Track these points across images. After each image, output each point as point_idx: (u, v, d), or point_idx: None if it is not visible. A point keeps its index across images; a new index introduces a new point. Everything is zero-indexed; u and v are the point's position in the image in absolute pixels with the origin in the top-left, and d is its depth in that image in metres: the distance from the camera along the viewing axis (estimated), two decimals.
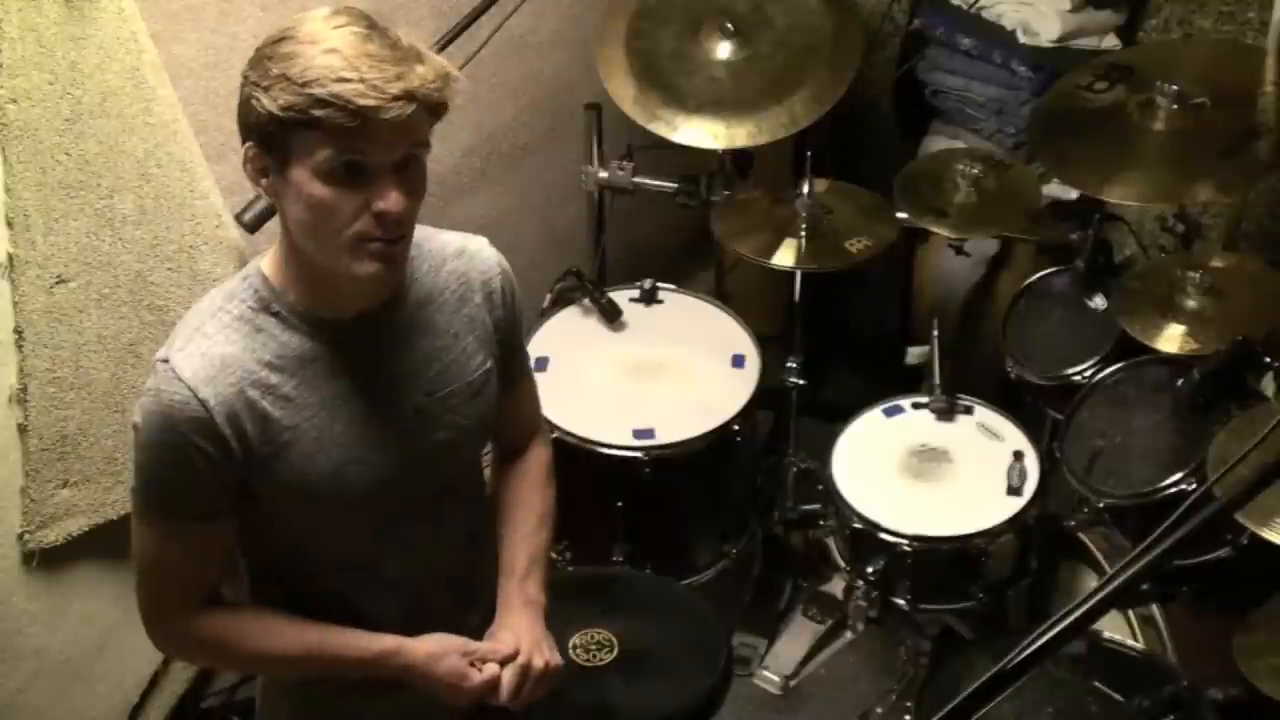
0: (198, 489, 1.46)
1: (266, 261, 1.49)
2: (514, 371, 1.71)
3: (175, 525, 1.49)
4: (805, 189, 2.71)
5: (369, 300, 1.50)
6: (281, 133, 1.34)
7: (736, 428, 2.58)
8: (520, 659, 1.61)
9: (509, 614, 1.66)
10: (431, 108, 1.36)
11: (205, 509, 1.48)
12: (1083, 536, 2.46)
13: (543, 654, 1.63)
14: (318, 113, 1.30)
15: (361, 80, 1.29)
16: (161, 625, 1.56)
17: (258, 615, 1.58)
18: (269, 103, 1.32)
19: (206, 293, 1.53)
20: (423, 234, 1.59)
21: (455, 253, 1.60)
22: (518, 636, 1.62)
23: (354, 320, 1.50)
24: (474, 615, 1.71)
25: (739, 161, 2.93)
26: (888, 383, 2.90)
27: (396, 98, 1.30)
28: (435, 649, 1.58)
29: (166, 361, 1.43)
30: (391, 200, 1.36)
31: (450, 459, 1.60)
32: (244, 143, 1.38)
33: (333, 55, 1.30)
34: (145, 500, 1.48)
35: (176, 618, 1.54)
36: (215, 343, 1.44)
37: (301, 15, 1.37)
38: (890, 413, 2.67)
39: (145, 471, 1.47)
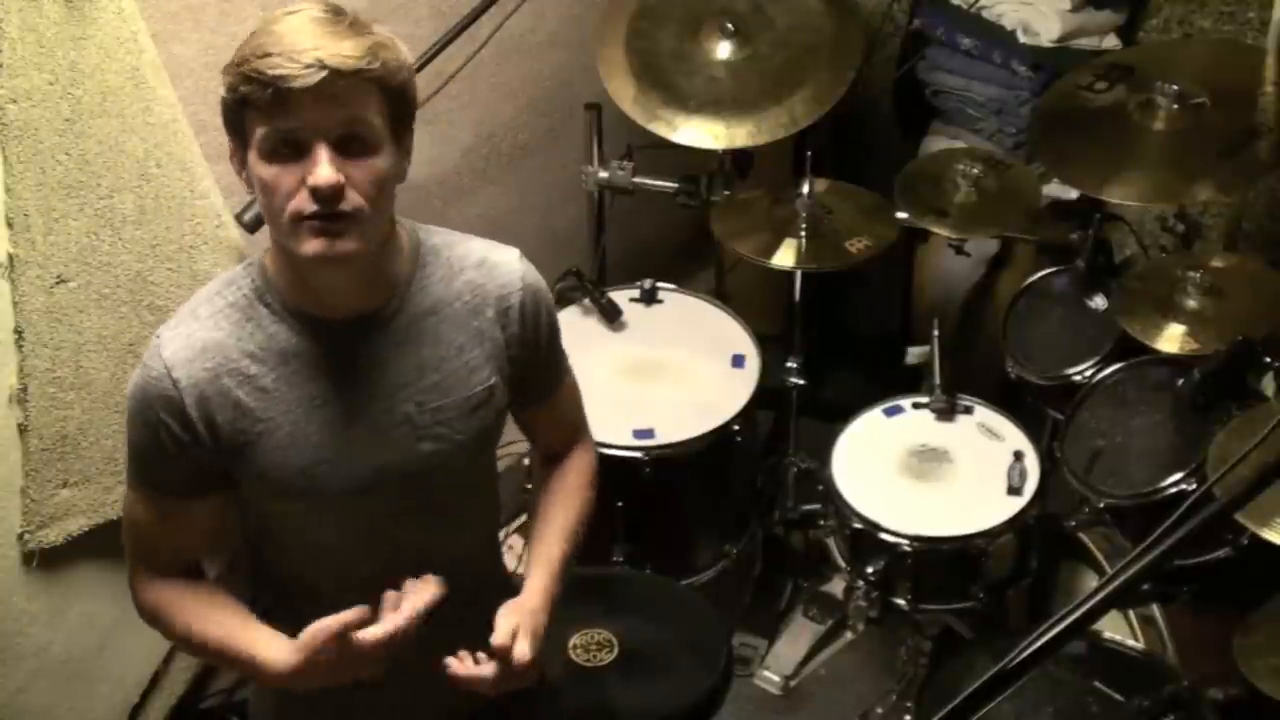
0: (168, 464, 1.49)
1: (268, 254, 1.50)
2: (544, 385, 1.69)
3: (149, 493, 1.52)
4: (805, 189, 2.71)
5: (359, 301, 1.49)
6: (233, 118, 1.38)
7: (736, 428, 2.58)
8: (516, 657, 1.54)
9: (514, 612, 1.59)
10: (376, 84, 1.36)
11: (177, 484, 1.50)
12: (1083, 536, 2.46)
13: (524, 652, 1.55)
14: (244, 89, 1.33)
15: (280, 53, 1.31)
16: (131, 580, 1.59)
17: (196, 593, 1.56)
18: (222, 90, 1.37)
19: None
20: (446, 239, 1.58)
21: (476, 263, 1.57)
22: (513, 628, 1.56)
23: (346, 321, 1.49)
24: (468, 623, 1.70)
25: (739, 161, 2.93)
26: (888, 383, 2.90)
27: (308, 65, 1.31)
28: (297, 652, 1.46)
29: (158, 337, 1.47)
30: (319, 174, 1.34)
31: (438, 472, 1.57)
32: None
33: (268, 36, 1.33)
34: (128, 464, 1.53)
35: (141, 577, 1.57)
36: (203, 326, 1.47)
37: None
38: (890, 413, 2.67)
39: (128, 437, 1.51)
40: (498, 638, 1.53)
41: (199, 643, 1.55)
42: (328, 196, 1.35)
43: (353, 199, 1.37)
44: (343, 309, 1.48)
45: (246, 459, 1.48)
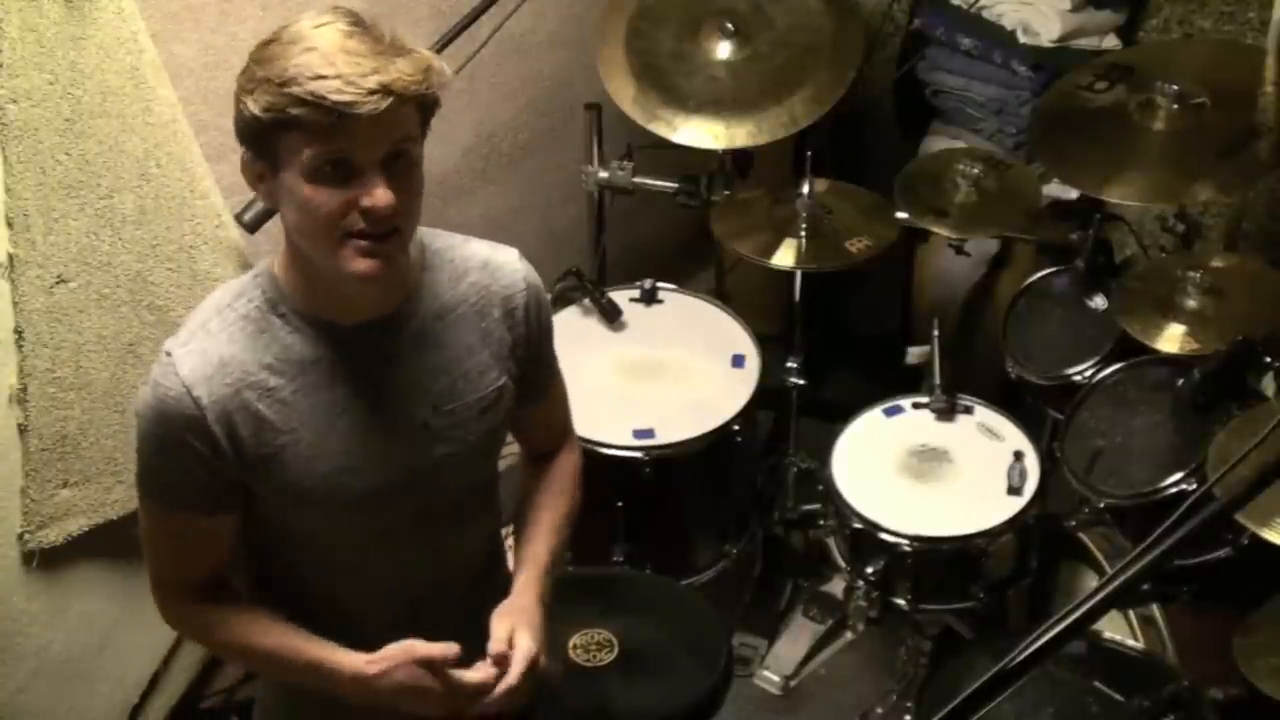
0: (188, 482, 1.46)
1: (278, 262, 1.48)
2: (541, 383, 1.69)
3: (167, 513, 1.51)
4: (805, 189, 2.71)
5: (375, 307, 1.48)
6: (268, 135, 1.33)
7: (736, 428, 2.58)
8: (511, 675, 1.53)
9: (507, 614, 1.60)
10: (417, 102, 1.35)
11: (197, 502, 1.48)
12: (1083, 536, 2.46)
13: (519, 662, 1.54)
14: (295, 112, 1.29)
15: (338, 76, 1.28)
16: (160, 601, 1.58)
17: (241, 612, 1.57)
18: (252, 105, 1.32)
19: (207, 292, 1.52)
20: (448, 242, 1.58)
21: (479, 265, 1.57)
22: (508, 631, 1.57)
23: (361, 327, 1.48)
24: (476, 623, 1.70)
25: (739, 161, 2.93)
26: (888, 383, 2.90)
27: (372, 92, 1.29)
28: (375, 658, 1.50)
29: (169, 355, 1.44)
30: (378, 196, 1.33)
31: (454, 474, 1.57)
32: (241, 148, 1.38)
33: (311, 54, 1.30)
34: (142, 485, 1.51)
35: (173, 598, 1.57)
36: (217, 341, 1.44)
37: (292, 19, 1.36)
38: (890, 413, 2.67)
39: (142, 458, 1.49)
40: (495, 645, 1.53)
41: (255, 652, 1.55)
42: (382, 218, 1.35)
43: (399, 217, 1.37)
44: (359, 315, 1.48)
45: (270, 471, 1.46)
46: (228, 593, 1.59)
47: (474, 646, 1.68)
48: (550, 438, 1.79)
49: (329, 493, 1.48)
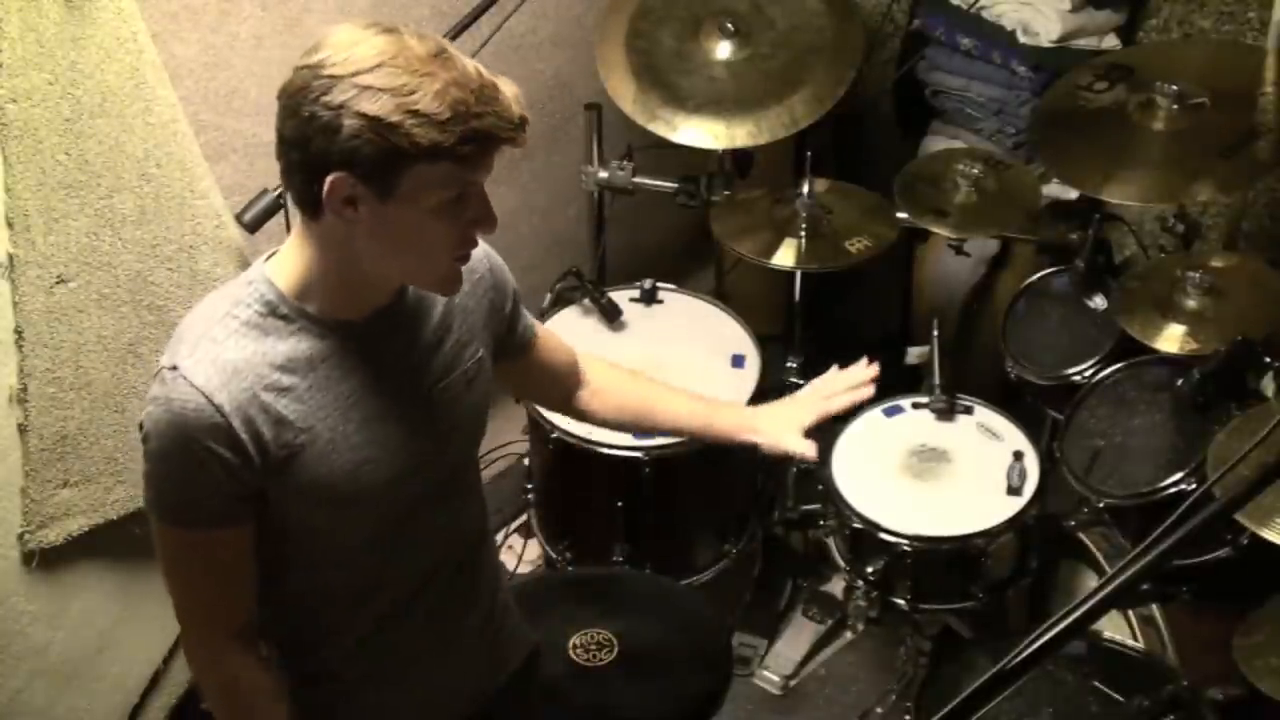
0: (214, 495, 1.42)
1: (272, 266, 1.47)
2: (525, 333, 1.75)
3: (194, 534, 1.46)
4: (805, 189, 2.71)
5: (381, 299, 1.49)
6: (398, 167, 1.31)
7: None
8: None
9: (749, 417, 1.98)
10: None
11: (222, 515, 1.44)
12: (1083, 536, 2.46)
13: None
14: (465, 149, 1.30)
15: (494, 113, 1.31)
16: (192, 645, 1.56)
17: (267, 697, 1.56)
18: (397, 139, 1.28)
19: (206, 293, 1.52)
20: None
21: None
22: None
23: (365, 320, 1.49)
24: (472, 616, 1.72)
25: (739, 161, 2.93)
26: (888, 383, 2.88)
27: (521, 124, 1.34)
28: None
29: (175, 369, 1.40)
30: (493, 220, 1.41)
31: (455, 449, 1.62)
32: (329, 173, 1.31)
33: (456, 88, 1.29)
34: (161, 512, 1.45)
35: (210, 644, 1.53)
36: (225, 348, 1.42)
37: (369, 35, 1.31)
38: (890, 413, 2.67)
39: (160, 483, 1.44)
40: (833, 385, 2.05)
41: None
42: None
43: None
44: (365, 310, 1.48)
45: (292, 472, 1.44)
46: (265, 664, 1.56)
47: (472, 615, 1.72)
48: (566, 367, 1.87)
49: (352, 487, 1.48)
